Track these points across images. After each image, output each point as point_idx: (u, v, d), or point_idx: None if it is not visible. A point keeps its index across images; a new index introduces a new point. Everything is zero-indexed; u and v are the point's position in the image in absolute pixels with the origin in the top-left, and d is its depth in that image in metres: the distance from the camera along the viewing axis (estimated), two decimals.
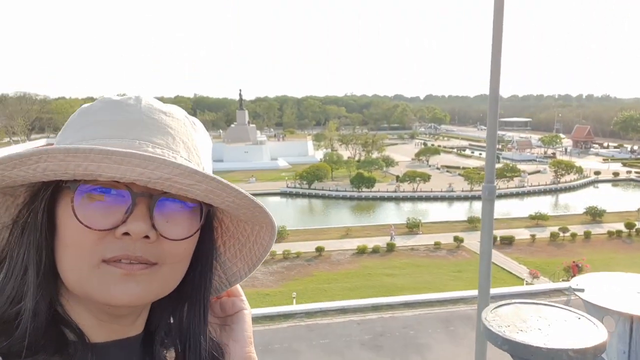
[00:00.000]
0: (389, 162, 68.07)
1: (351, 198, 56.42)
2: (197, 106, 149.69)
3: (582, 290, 2.37)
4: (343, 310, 24.92)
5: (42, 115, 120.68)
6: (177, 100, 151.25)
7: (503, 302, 1.68)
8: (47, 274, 0.74)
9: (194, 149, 0.79)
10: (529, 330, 1.53)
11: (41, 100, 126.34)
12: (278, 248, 34.09)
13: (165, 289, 0.78)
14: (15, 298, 0.73)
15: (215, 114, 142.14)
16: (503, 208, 51.50)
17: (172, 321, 0.88)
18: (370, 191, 56.47)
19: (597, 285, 2.49)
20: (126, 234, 0.70)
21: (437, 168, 72.08)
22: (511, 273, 30.19)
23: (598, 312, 2.18)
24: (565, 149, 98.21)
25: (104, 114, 0.76)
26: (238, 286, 0.97)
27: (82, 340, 0.75)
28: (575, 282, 2.51)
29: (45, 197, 0.74)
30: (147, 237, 0.71)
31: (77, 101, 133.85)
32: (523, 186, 60.53)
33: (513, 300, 1.70)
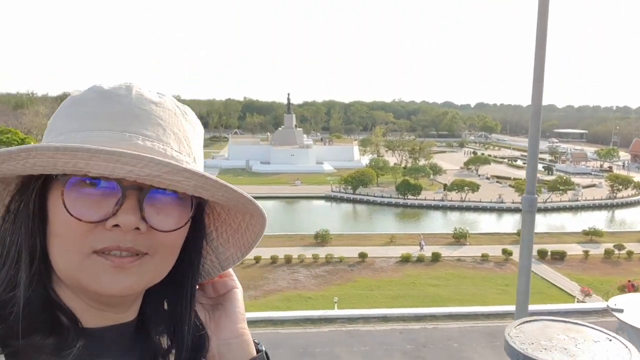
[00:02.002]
0: (437, 170, 67.00)
1: (396, 205, 55.91)
2: (246, 109, 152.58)
3: (620, 311, 2.26)
4: (385, 318, 24.66)
5: None
6: (228, 103, 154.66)
7: (530, 318, 1.62)
8: (40, 261, 0.75)
9: (185, 139, 0.79)
10: (553, 349, 1.46)
11: None
12: (321, 252, 34.17)
13: (156, 278, 0.79)
14: (10, 284, 0.74)
15: (263, 116, 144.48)
16: (555, 222, 49.69)
17: (165, 307, 0.90)
18: (417, 199, 55.80)
19: (639, 307, 2.36)
20: (117, 225, 0.70)
21: (487, 178, 70.48)
22: (562, 290, 29.07)
23: (637, 334, 2.07)
24: (623, 163, 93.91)
25: (95, 106, 0.76)
26: None
27: (75, 325, 0.76)
28: (614, 301, 2.39)
29: (36, 187, 0.75)
30: (137, 228, 0.72)
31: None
32: (577, 200, 58.28)
33: (541, 317, 1.64)
